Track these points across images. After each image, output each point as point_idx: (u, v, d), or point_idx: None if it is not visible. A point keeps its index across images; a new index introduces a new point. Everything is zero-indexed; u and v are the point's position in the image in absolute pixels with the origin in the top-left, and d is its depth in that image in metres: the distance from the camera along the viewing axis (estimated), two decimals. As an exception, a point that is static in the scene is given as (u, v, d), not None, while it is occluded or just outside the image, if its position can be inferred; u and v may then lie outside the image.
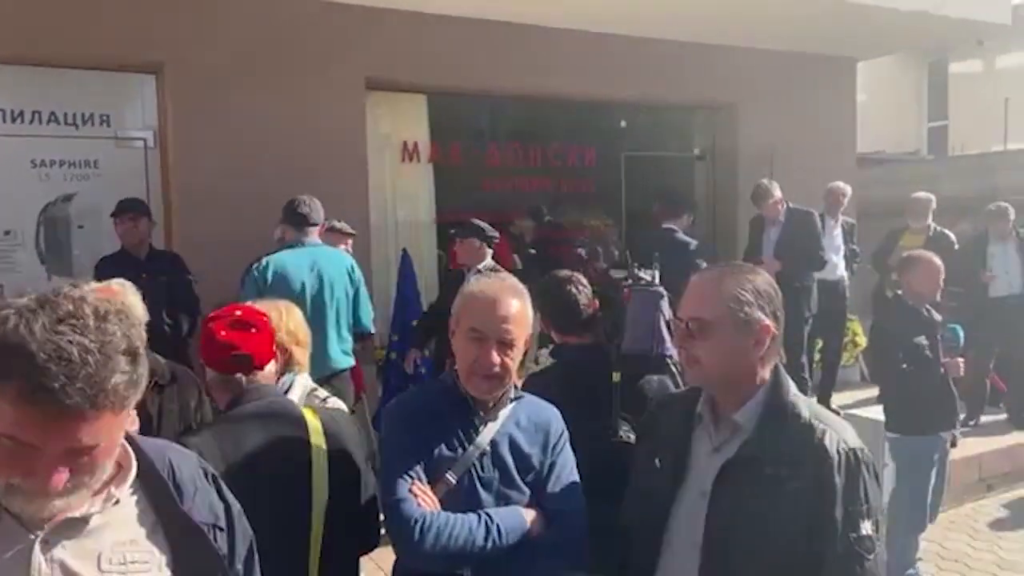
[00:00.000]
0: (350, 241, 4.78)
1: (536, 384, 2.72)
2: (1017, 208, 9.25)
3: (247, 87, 5.15)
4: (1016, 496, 5.62)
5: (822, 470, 1.53)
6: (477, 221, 4.66)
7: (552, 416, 1.95)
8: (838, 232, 6.45)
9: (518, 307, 1.80)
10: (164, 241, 5.12)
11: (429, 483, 1.76)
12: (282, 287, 3.89)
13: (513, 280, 1.90)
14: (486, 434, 1.81)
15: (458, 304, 1.85)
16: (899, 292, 3.95)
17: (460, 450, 1.79)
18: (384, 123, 6.02)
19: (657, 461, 1.77)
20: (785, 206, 5.76)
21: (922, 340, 3.79)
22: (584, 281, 2.78)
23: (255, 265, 4.13)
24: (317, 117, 5.35)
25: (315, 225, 4.34)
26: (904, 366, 3.77)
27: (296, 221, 4.27)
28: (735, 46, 6.85)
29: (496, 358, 1.78)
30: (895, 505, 3.86)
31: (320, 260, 4.22)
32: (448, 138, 6.43)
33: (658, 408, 1.98)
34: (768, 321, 1.60)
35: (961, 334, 3.80)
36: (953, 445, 3.96)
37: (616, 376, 2.42)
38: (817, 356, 6.94)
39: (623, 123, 7.09)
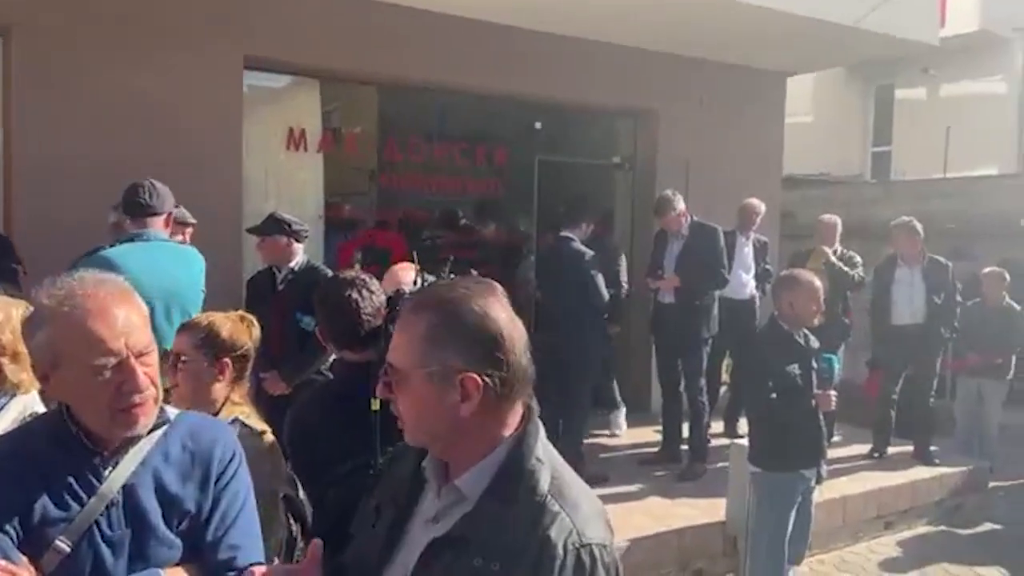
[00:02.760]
0: (189, 231, 4.30)
1: (296, 408, 2.33)
2: (947, 235, 9.22)
3: (109, 57, 4.70)
4: (914, 534, 5.36)
5: (539, 571, 1.15)
6: (282, 214, 4.20)
7: (218, 438, 1.53)
8: (748, 250, 6.18)
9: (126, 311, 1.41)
10: (3, 223, 4.62)
11: (30, 554, 1.33)
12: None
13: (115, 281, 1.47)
14: (115, 479, 1.39)
15: (50, 338, 1.38)
16: (774, 314, 3.63)
17: (75, 506, 1.37)
18: (266, 107, 5.58)
19: (373, 522, 1.41)
20: (689, 220, 5.44)
21: (795, 369, 3.47)
22: (375, 287, 2.37)
23: (86, 258, 3.65)
24: (189, 95, 4.91)
25: (158, 215, 3.86)
26: (773, 395, 3.45)
27: (134, 210, 3.79)
28: (659, 51, 6.56)
29: (143, 377, 1.38)
30: (755, 546, 3.56)
31: (167, 258, 3.73)
32: (342, 128, 6.02)
33: (394, 455, 1.59)
34: (474, 371, 1.19)
35: (837, 365, 3.49)
36: (818, 482, 3.66)
37: (376, 403, 2.02)
38: (726, 376, 6.70)
39: (538, 124, 6.73)
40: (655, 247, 5.67)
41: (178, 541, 1.43)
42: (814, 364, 3.52)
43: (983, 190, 11.67)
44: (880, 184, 14.23)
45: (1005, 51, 13.24)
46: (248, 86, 5.27)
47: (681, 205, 5.38)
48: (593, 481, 4.98)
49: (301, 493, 2.05)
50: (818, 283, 3.56)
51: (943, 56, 13.77)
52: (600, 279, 5.12)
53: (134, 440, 1.43)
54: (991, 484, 6.06)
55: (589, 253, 5.15)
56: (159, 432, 1.46)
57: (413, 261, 3.12)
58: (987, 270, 6.81)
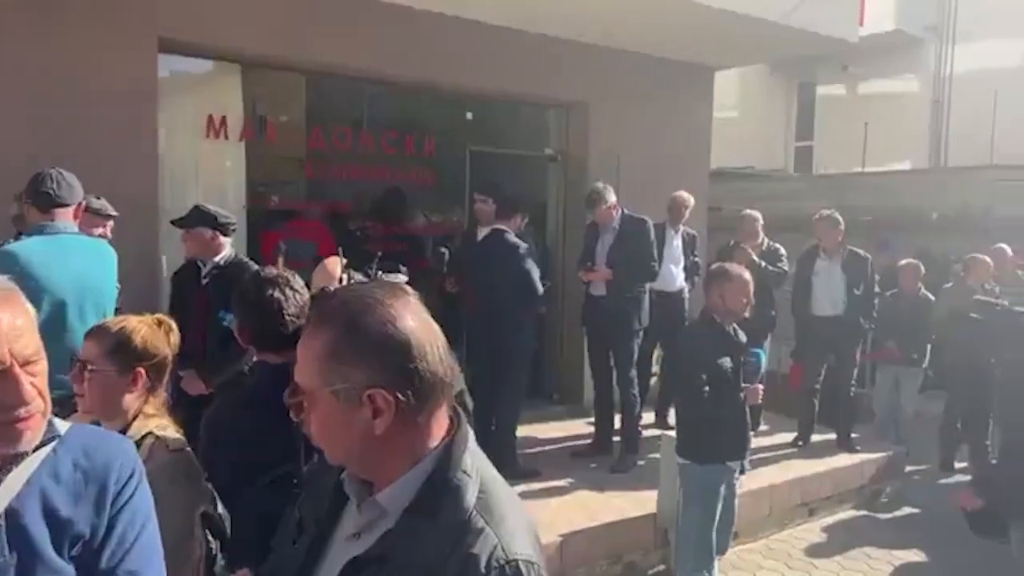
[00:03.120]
0: (110, 224, 4.06)
1: (211, 413, 2.20)
2: (865, 227, 9.55)
3: (10, 34, 4.38)
4: (837, 520, 5.52)
5: None
6: (208, 206, 4.00)
7: (115, 455, 1.39)
8: (678, 243, 6.24)
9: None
10: None
11: None
12: (27, 288, 3.13)
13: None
14: None
15: None
16: (706, 307, 3.66)
17: None
18: (184, 92, 5.32)
19: (295, 538, 1.34)
20: (620, 212, 5.45)
21: (726, 362, 3.50)
22: (298, 284, 2.26)
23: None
24: (98, 76, 4.61)
25: (66, 206, 3.61)
26: (706, 389, 3.47)
27: (41, 201, 3.52)
28: (590, 43, 6.54)
29: (28, 388, 1.25)
30: (682, 537, 3.59)
31: (78, 252, 3.48)
32: (266, 115, 5.79)
33: (317, 467, 1.49)
34: (383, 385, 1.10)
35: (764, 359, 3.53)
36: (742, 473, 3.72)
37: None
38: (656, 368, 6.77)
39: (469, 115, 6.63)
40: (587, 240, 5.66)
41: (69, 568, 1.30)
42: (743, 358, 3.55)
43: (898, 185, 12.15)
44: (803, 178, 14.67)
45: (918, 51, 13.79)
46: (164, 70, 5.01)
47: (612, 198, 5.39)
48: (526, 476, 4.98)
49: (220, 507, 1.93)
50: (748, 276, 3.60)
51: (861, 55, 14.25)
52: (536, 272, 5.08)
53: (19, 458, 1.29)
54: (907, 468, 6.31)
55: (524, 246, 5.10)
56: (47, 449, 1.32)
57: (339, 255, 3.02)
58: (903, 262, 7.07)
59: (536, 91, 6.60)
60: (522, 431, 6.02)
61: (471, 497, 1.13)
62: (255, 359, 2.23)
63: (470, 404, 5.95)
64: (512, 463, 5.01)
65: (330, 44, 5.37)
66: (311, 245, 5.92)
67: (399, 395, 1.11)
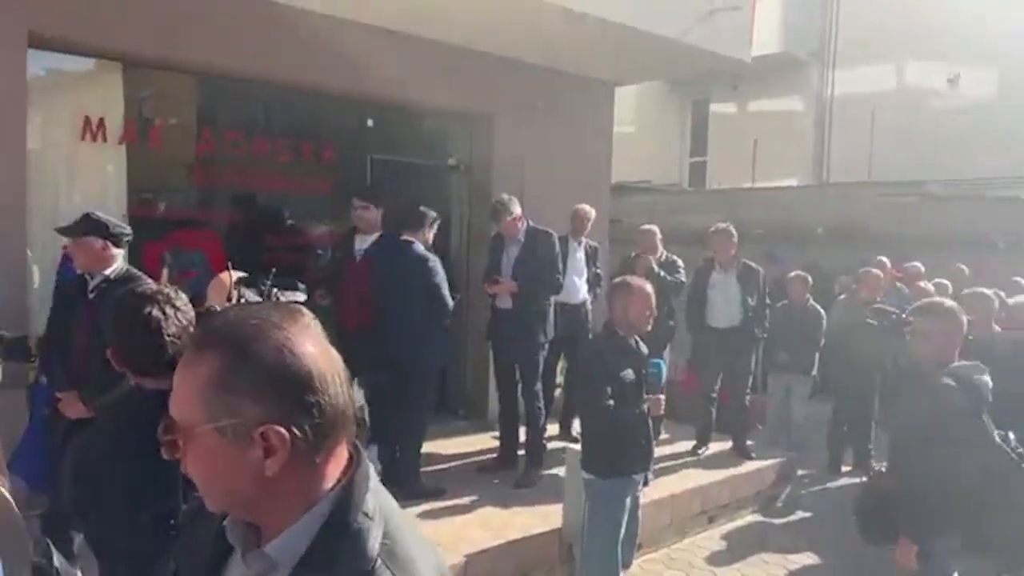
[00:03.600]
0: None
1: (80, 443, 1.99)
2: (756, 240, 9.93)
3: None
4: (735, 526, 5.66)
5: None
6: (99, 214, 3.70)
7: None
8: (581, 255, 6.27)
9: None
10: None
11: None
12: None
13: None
14: None
15: None
16: (609, 320, 3.65)
17: None
18: (57, 92, 4.93)
19: None
20: (525, 224, 5.42)
21: (629, 374, 3.50)
22: (182, 301, 2.07)
23: None
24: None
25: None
26: (610, 402, 3.46)
27: None
28: (493, 54, 6.51)
29: None
30: (587, 552, 3.57)
31: None
32: (150, 118, 5.46)
33: (195, 509, 1.34)
34: (278, 421, 0.97)
35: (664, 369, 3.56)
36: (645, 484, 3.73)
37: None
38: (560, 379, 6.78)
39: (370, 122, 6.46)
40: (492, 252, 5.61)
41: None
42: (644, 370, 3.56)
43: (785, 199, 12.73)
44: (698, 192, 15.20)
45: (803, 73, 14.54)
46: (34, 67, 4.63)
47: (517, 209, 5.35)
48: (430, 495, 4.85)
49: (56, 559, 1.68)
50: (650, 289, 3.62)
51: (750, 75, 14.90)
52: (445, 286, 4.97)
53: None
54: (799, 472, 6.55)
55: (433, 258, 4.97)
56: None
57: (229, 269, 2.82)
58: (792, 274, 7.36)
59: (440, 100, 6.49)
60: (427, 447, 5.88)
61: (374, 543, 1.02)
62: (132, 384, 2.02)
63: (367, 424, 5.83)
64: (416, 482, 4.88)
65: (222, 45, 5.11)
66: (199, 256, 5.62)
67: (296, 432, 0.98)
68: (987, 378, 2.98)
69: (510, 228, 5.36)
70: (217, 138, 5.75)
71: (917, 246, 9.36)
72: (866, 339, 6.60)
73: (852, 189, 12.22)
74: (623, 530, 3.59)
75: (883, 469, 3.43)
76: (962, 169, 11.83)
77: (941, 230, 10.50)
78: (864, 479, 6.65)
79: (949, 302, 3.19)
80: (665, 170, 15.77)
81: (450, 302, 4.96)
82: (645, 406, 3.51)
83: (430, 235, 5.14)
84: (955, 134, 12.23)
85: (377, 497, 1.07)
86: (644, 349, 3.64)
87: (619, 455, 3.53)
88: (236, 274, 2.69)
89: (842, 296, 7.30)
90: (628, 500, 3.58)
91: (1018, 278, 7.85)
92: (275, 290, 2.18)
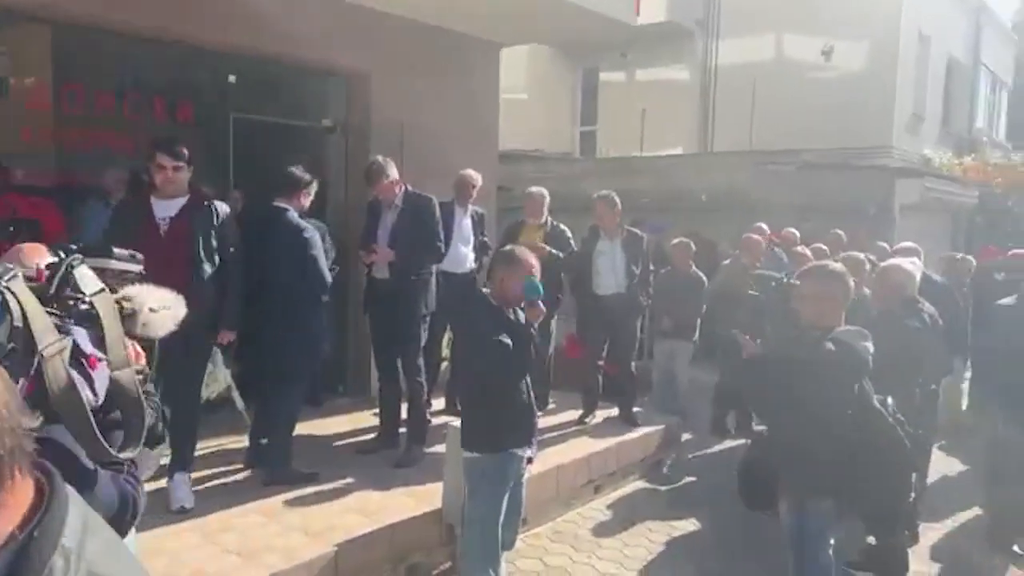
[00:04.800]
0: None
1: None
2: (643, 208, 9.98)
3: None
4: (621, 495, 5.61)
5: None
6: None
7: None
8: (467, 222, 6.01)
9: None
10: None
11: None
12: None
13: None
14: None
15: None
16: (485, 290, 3.42)
17: None
18: None
19: None
20: (403, 189, 5.09)
21: (505, 338, 3.28)
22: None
23: None
24: None
25: None
26: (485, 370, 3.24)
27: None
28: (371, 8, 6.08)
29: None
30: (467, 533, 3.36)
31: None
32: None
33: None
34: None
35: (540, 286, 3.30)
36: (530, 462, 3.55)
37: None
38: (446, 351, 6.54)
39: (232, 78, 5.93)
40: (368, 218, 5.25)
41: None
42: (526, 340, 3.35)
43: (671, 168, 12.88)
44: (588, 160, 15.19)
45: (688, 43, 14.70)
46: None
47: (394, 172, 5.01)
48: (301, 481, 4.52)
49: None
50: (534, 261, 3.40)
51: (638, 43, 14.99)
52: (323, 258, 4.60)
53: None
54: (684, 437, 6.60)
55: (309, 228, 4.57)
56: None
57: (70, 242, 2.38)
58: (675, 241, 7.38)
59: (314, 56, 6.04)
60: (303, 428, 5.54)
61: None
62: None
63: (240, 404, 5.41)
64: (285, 468, 4.53)
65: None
66: (34, 223, 5.01)
67: None
68: (869, 344, 2.95)
69: (387, 192, 5.02)
70: (56, 91, 5.10)
71: (794, 213, 9.63)
72: (748, 304, 6.71)
73: (733, 158, 12.49)
74: (504, 509, 3.40)
75: (764, 433, 3.37)
76: (836, 139, 12.30)
77: (816, 198, 10.88)
78: (747, 442, 6.81)
79: (836, 265, 3.13)
80: (556, 139, 15.67)
81: (327, 276, 4.58)
82: (526, 380, 3.30)
83: (306, 201, 4.73)
84: (829, 105, 12.68)
85: (81, 528, 0.78)
86: (523, 318, 3.43)
87: (499, 430, 3.32)
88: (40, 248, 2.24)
89: (726, 262, 7.37)
90: (511, 478, 3.38)
91: (883, 243, 8.20)
92: (77, 260, 1.79)
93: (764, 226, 7.88)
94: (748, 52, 13.99)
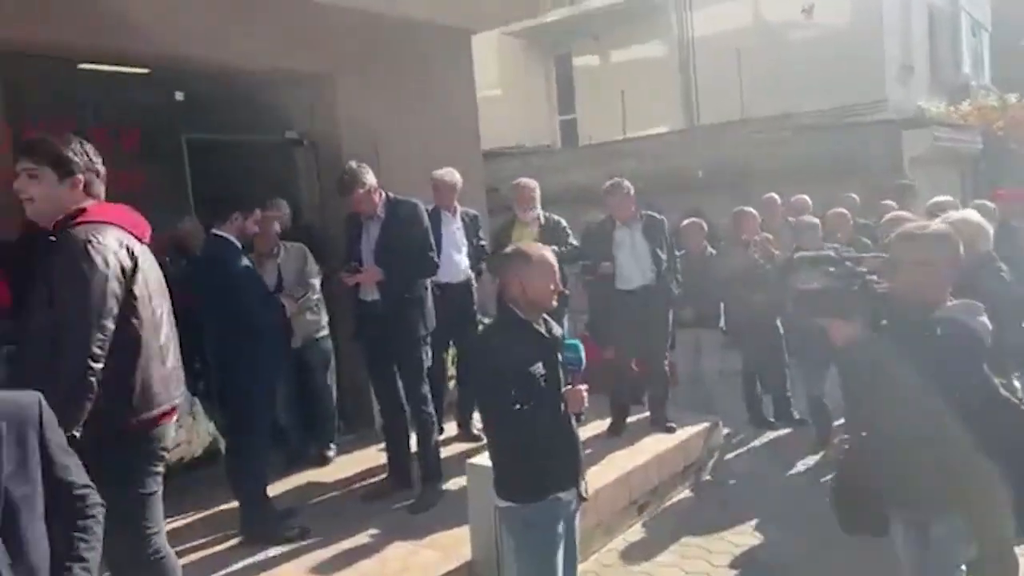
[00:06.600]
0: None
1: None
2: (637, 192, 9.39)
3: None
4: (665, 511, 4.99)
5: None
6: None
7: None
8: (458, 226, 5.40)
9: None
10: None
11: None
12: None
13: None
14: None
15: None
16: (503, 302, 2.81)
17: None
18: None
19: None
20: (383, 197, 4.47)
21: (539, 368, 2.67)
22: None
23: None
24: None
25: None
26: (518, 406, 2.62)
27: None
28: (327, 3, 5.45)
29: None
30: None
31: None
32: None
33: None
34: None
35: (583, 353, 2.73)
36: (584, 499, 2.93)
37: None
38: (452, 369, 5.95)
39: (179, 95, 5.29)
40: (348, 235, 4.63)
41: None
42: (559, 357, 2.74)
43: (659, 148, 12.34)
44: (569, 150, 14.63)
45: (662, 16, 14.15)
46: None
47: (371, 179, 4.38)
48: (292, 540, 3.92)
49: None
50: (551, 256, 2.80)
51: (610, 24, 14.47)
52: (256, 291, 4.05)
53: None
54: (724, 432, 6.00)
55: (242, 260, 4.01)
56: None
57: None
58: (686, 222, 6.78)
59: (268, 62, 5.39)
60: (304, 476, 4.96)
61: None
62: None
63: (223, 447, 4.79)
64: (264, 529, 3.96)
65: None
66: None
67: None
68: (985, 319, 2.36)
69: (365, 203, 4.39)
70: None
71: (798, 179, 9.07)
72: (756, 282, 6.14)
73: (724, 130, 11.95)
74: (561, 565, 2.78)
75: (850, 438, 2.76)
76: (828, 98, 11.76)
77: (817, 161, 10.34)
78: (788, 431, 6.23)
79: (938, 224, 2.51)
80: (536, 132, 15.12)
81: (259, 313, 4.00)
82: (563, 405, 2.69)
83: (249, 224, 4.14)
84: (816, 65, 12.14)
85: None
86: (558, 331, 2.82)
87: (541, 472, 2.71)
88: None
89: (722, 242, 6.79)
90: (560, 526, 2.77)
91: (889, 201, 7.64)
92: None
93: (775, 196, 7.31)
94: (725, 20, 13.44)
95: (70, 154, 2.62)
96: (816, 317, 2.70)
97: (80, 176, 2.62)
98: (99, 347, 2.38)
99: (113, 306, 2.45)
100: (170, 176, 5.28)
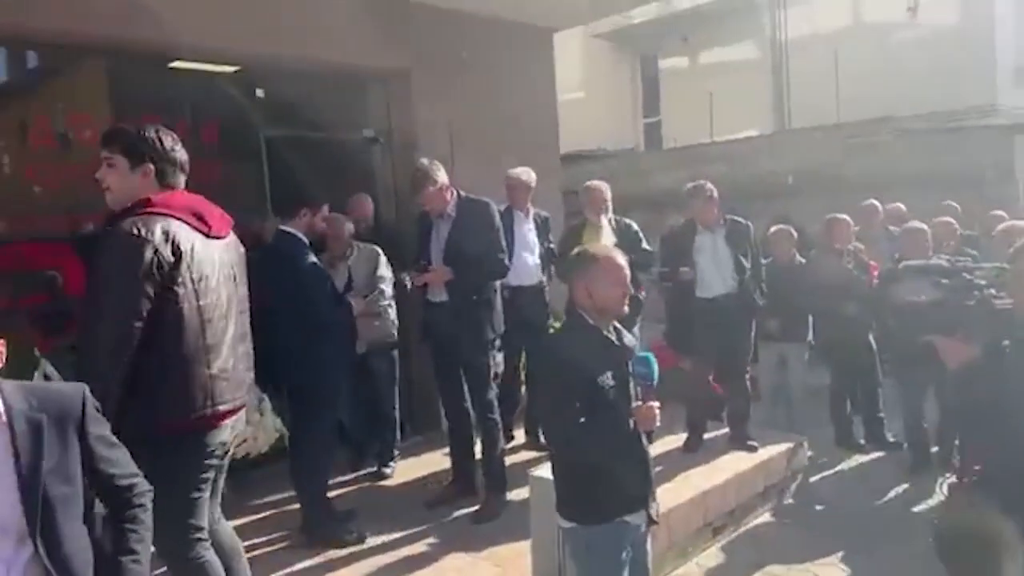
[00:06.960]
0: None
1: None
2: (721, 198, 9.01)
3: None
4: (743, 535, 4.68)
5: None
6: None
7: None
8: (530, 228, 5.24)
9: None
10: None
11: None
12: None
13: None
14: None
15: None
16: (571, 308, 2.62)
17: None
18: None
19: None
20: (455, 196, 4.35)
21: (607, 379, 2.47)
22: None
23: None
24: None
25: None
26: (583, 420, 2.43)
27: None
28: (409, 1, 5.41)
29: None
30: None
31: None
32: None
33: None
34: None
35: (655, 367, 2.51)
36: (654, 522, 2.70)
37: None
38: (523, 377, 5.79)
39: (260, 92, 5.33)
40: (419, 233, 4.53)
41: None
42: (630, 368, 2.53)
43: (748, 152, 11.89)
44: (654, 154, 14.28)
45: (755, 16, 13.64)
46: None
47: (442, 177, 4.27)
48: (347, 541, 3.84)
49: None
50: (621, 258, 2.60)
51: (700, 24, 14.06)
52: (322, 288, 3.99)
53: None
54: (809, 454, 5.62)
55: (308, 256, 3.96)
56: None
57: None
58: (774, 229, 6.44)
59: (347, 60, 5.40)
60: (365, 476, 4.89)
61: None
62: None
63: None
64: (324, 528, 3.89)
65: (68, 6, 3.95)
66: (55, 276, 4.49)
67: None
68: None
69: (436, 200, 4.28)
70: (62, 122, 4.57)
71: (895, 187, 8.51)
72: (849, 294, 5.73)
73: (818, 134, 11.39)
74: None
75: (967, 470, 2.45)
76: (931, 103, 11.03)
77: (918, 169, 9.71)
78: (881, 454, 5.79)
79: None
80: (619, 135, 14.82)
81: (326, 313, 3.95)
82: (632, 421, 2.49)
83: (317, 221, 4.11)
84: (920, 67, 11.42)
85: None
86: (629, 340, 2.62)
87: (606, 493, 2.51)
88: None
89: (813, 251, 6.37)
90: (625, 551, 2.56)
91: (999, 211, 7.04)
92: None
93: (876, 203, 6.86)
94: (821, 19, 12.82)
95: (141, 142, 2.58)
96: (924, 333, 2.40)
97: (151, 164, 2.58)
98: (123, 344, 2.33)
99: (142, 307, 2.38)
100: (248, 173, 5.31)
